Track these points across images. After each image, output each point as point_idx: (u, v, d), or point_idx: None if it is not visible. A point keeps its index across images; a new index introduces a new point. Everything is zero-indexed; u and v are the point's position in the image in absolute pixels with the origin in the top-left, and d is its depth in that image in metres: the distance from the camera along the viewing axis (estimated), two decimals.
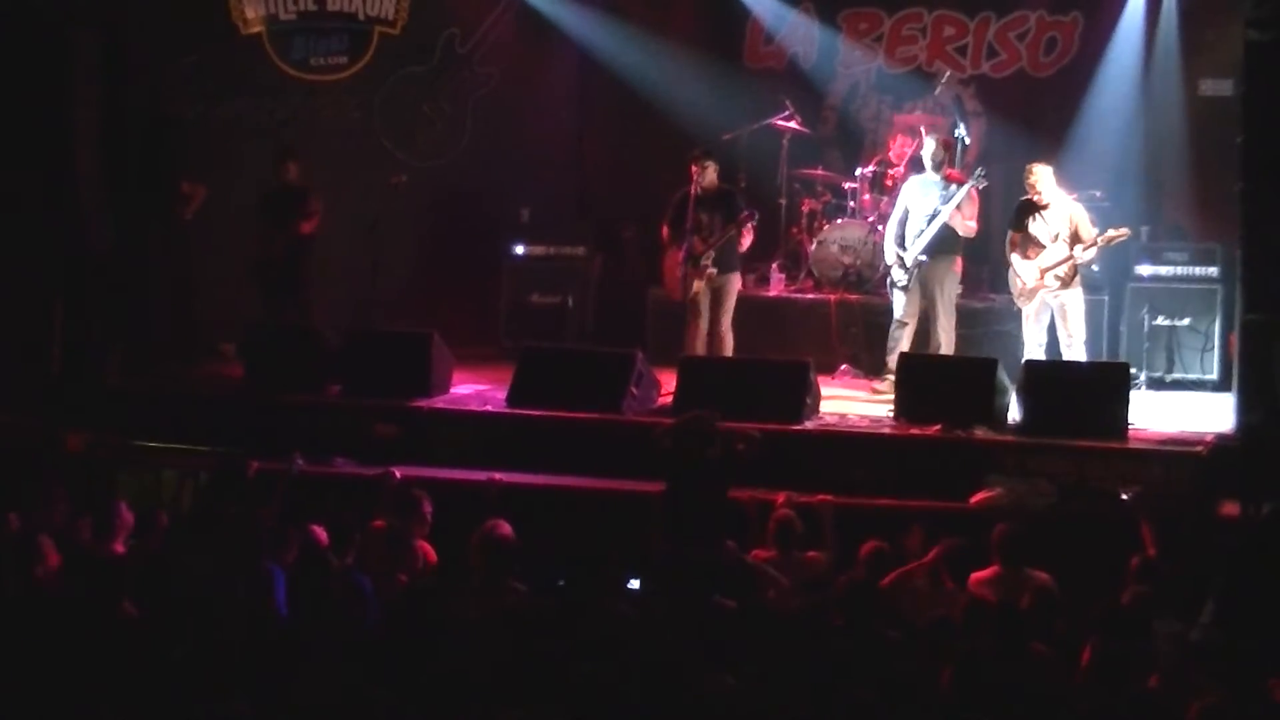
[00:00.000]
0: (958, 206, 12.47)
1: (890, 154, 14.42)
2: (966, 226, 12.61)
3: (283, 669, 7.12)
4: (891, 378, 12.39)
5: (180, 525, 9.36)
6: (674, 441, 10.13)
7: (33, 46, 13.13)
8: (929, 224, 12.53)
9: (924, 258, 12.55)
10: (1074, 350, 12.33)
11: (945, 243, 12.58)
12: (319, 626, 7.91)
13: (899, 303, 12.75)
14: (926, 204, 12.63)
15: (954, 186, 12.59)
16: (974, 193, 12.62)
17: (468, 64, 15.52)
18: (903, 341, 12.65)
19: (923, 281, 12.61)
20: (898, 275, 12.67)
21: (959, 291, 12.98)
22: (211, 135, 14.89)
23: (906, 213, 12.76)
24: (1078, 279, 12.36)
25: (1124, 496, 10.16)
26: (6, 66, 13.07)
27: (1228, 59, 12.70)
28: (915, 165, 13.70)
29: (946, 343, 12.59)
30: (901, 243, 12.71)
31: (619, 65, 14.87)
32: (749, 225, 12.71)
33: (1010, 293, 12.63)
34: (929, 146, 12.80)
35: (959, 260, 12.78)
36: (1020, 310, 12.58)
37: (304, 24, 15.33)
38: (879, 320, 13.23)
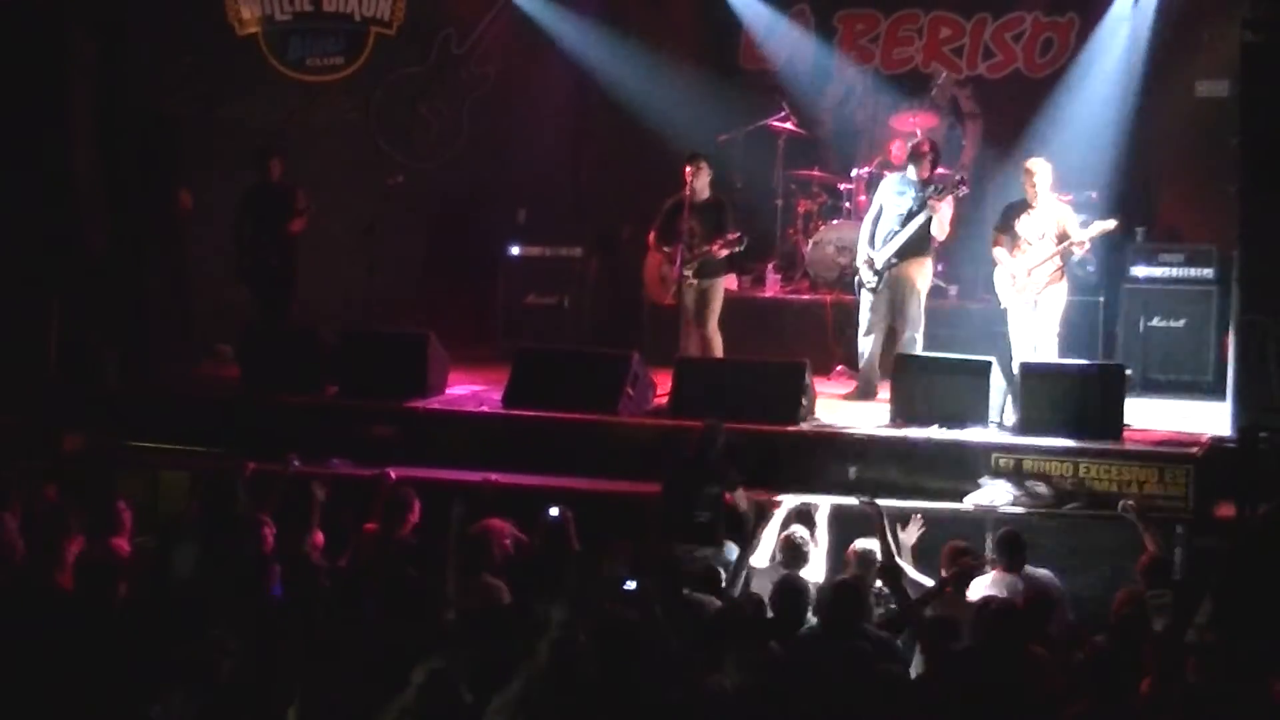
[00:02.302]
0: (937, 211, 12.43)
1: (891, 155, 14.41)
2: (942, 229, 12.56)
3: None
4: (853, 387, 12.47)
5: (177, 526, 9.35)
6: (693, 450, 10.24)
7: (29, 47, 13.13)
8: (903, 226, 12.42)
9: (895, 260, 12.46)
10: (1045, 347, 12.29)
11: (917, 245, 12.49)
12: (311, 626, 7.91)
13: (866, 306, 12.59)
14: (901, 204, 12.51)
15: (930, 188, 12.51)
16: (951, 198, 12.59)
17: (464, 64, 15.54)
18: (876, 353, 12.58)
19: (892, 284, 12.53)
20: (868, 277, 12.54)
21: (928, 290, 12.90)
22: (208, 136, 14.88)
23: (880, 211, 12.65)
24: (1064, 277, 12.35)
25: (1121, 506, 10.12)
26: (3, 67, 13.07)
27: (1224, 60, 12.70)
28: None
29: (915, 345, 12.45)
30: (871, 243, 12.60)
31: (614, 74, 14.85)
32: (732, 248, 12.53)
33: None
34: (911, 149, 12.70)
35: (929, 262, 12.68)
36: (1007, 310, 12.54)
37: (300, 24, 15.35)
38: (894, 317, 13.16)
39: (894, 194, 12.60)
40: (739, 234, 12.49)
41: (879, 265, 12.47)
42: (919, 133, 14.32)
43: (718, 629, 7.79)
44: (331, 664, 7.21)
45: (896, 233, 12.44)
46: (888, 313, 12.56)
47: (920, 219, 12.37)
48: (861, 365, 12.66)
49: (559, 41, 15.11)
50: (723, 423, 10.49)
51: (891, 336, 12.65)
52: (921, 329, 12.53)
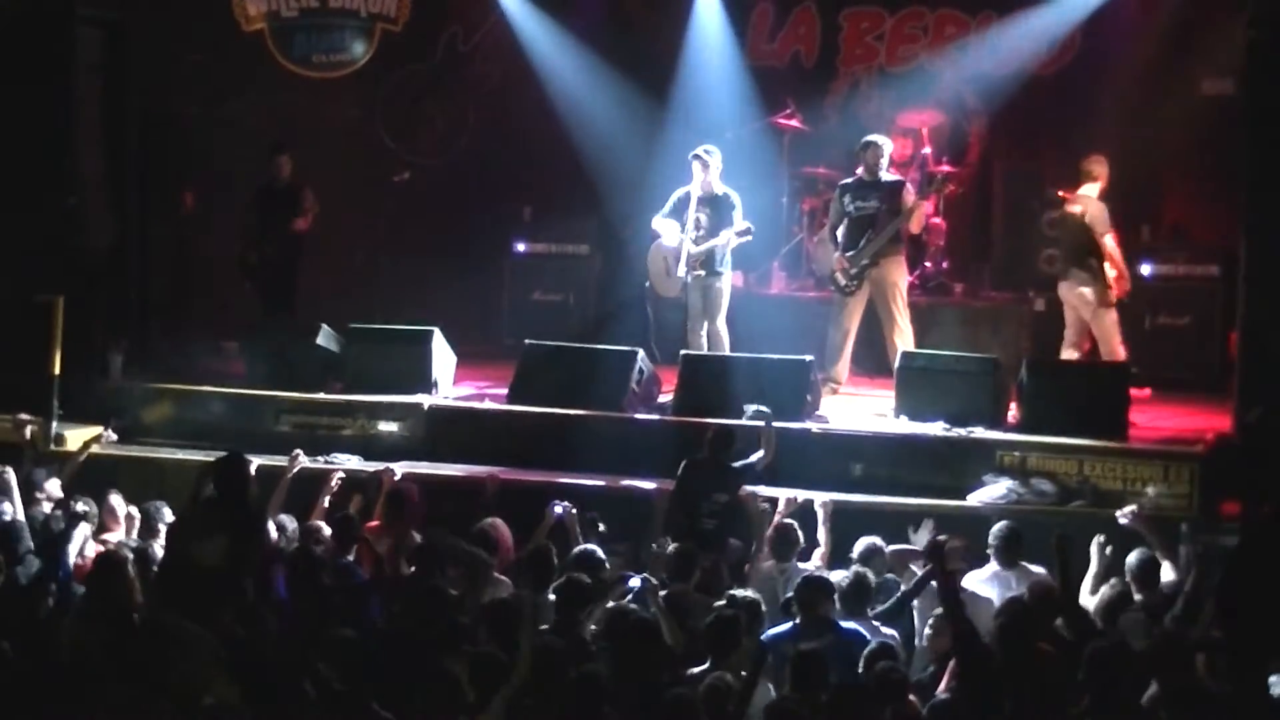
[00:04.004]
0: (912, 210, 12.44)
1: (894, 153, 14.34)
2: (919, 224, 12.65)
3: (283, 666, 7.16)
4: (837, 386, 12.45)
5: (181, 523, 9.37)
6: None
7: (35, 44, 13.13)
8: (876, 229, 12.39)
9: (872, 261, 12.40)
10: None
11: (891, 244, 12.48)
12: (318, 623, 7.94)
13: (843, 309, 12.57)
14: (865, 207, 12.50)
15: (891, 188, 12.47)
16: (914, 193, 12.62)
17: (469, 62, 15.54)
18: (847, 352, 12.59)
19: (871, 285, 12.49)
20: (843, 280, 12.53)
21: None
22: (214, 133, 14.89)
23: (844, 219, 12.60)
24: None
25: (1122, 520, 9.98)
26: (9, 64, 13.08)
27: (1229, 57, 12.67)
28: (916, 164, 13.76)
29: (905, 341, 12.44)
30: (837, 245, 12.59)
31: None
32: (740, 240, 12.52)
33: (1103, 294, 12.41)
34: (875, 152, 12.61)
35: (904, 258, 12.68)
36: (1103, 310, 12.41)
37: (306, 21, 15.32)
38: (880, 319, 13.16)
39: (855, 200, 12.56)
40: (747, 225, 12.44)
41: (855, 268, 12.45)
42: (924, 130, 14.30)
43: (722, 627, 7.80)
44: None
45: (871, 237, 12.41)
46: (860, 313, 12.55)
47: (898, 220, 12.38)
48: (828, 365, 12.51)
49: (565, 31, 14.97)
50: (732, 425, 10.50)
51: (877, 335, 12.64)
52: (910, 324, 12.52)
